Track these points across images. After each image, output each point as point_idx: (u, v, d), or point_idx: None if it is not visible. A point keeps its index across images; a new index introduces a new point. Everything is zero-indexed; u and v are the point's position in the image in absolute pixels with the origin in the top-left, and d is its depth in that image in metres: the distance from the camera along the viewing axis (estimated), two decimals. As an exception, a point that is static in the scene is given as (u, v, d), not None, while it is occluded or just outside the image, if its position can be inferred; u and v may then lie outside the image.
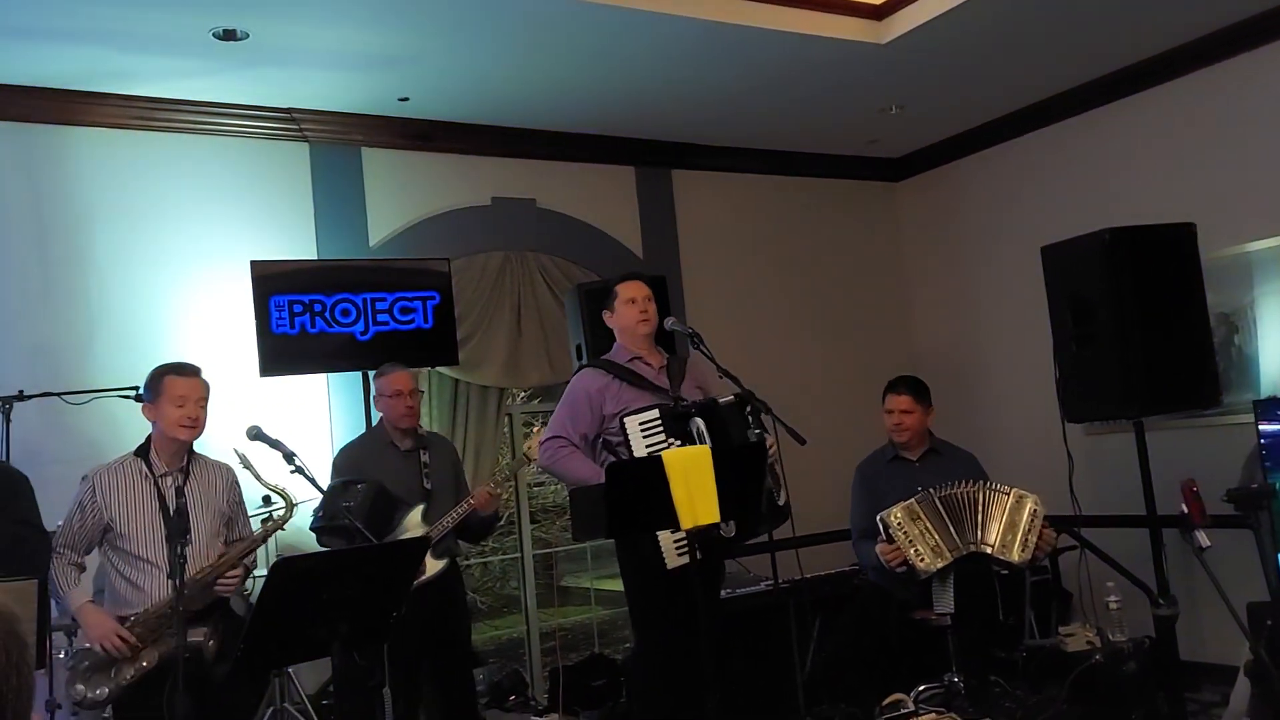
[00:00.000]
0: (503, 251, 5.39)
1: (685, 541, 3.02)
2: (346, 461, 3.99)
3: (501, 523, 4.82)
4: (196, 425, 3.19)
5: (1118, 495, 4.63)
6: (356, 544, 3.37)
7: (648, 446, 3.33)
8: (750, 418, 3.39)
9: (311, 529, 3.76)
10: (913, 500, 3.83)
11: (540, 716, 4.58)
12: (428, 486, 3.91)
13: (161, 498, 3.11)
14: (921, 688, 3.71)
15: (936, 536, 3.79)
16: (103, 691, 2.95)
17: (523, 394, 6.28)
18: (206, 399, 3.23)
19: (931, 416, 4.31)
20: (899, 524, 3.79)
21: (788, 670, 4.42)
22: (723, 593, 4.25)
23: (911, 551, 3.76)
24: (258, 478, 3.22)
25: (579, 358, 4.62)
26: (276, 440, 3.28)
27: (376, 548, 3.18)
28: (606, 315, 3.64)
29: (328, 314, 4.58)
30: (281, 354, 4.44)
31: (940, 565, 3.76)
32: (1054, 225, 4.86)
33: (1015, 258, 5.76)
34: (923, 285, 6.69)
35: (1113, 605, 4.00)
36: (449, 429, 5.14)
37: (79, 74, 4.27)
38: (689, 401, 3.46)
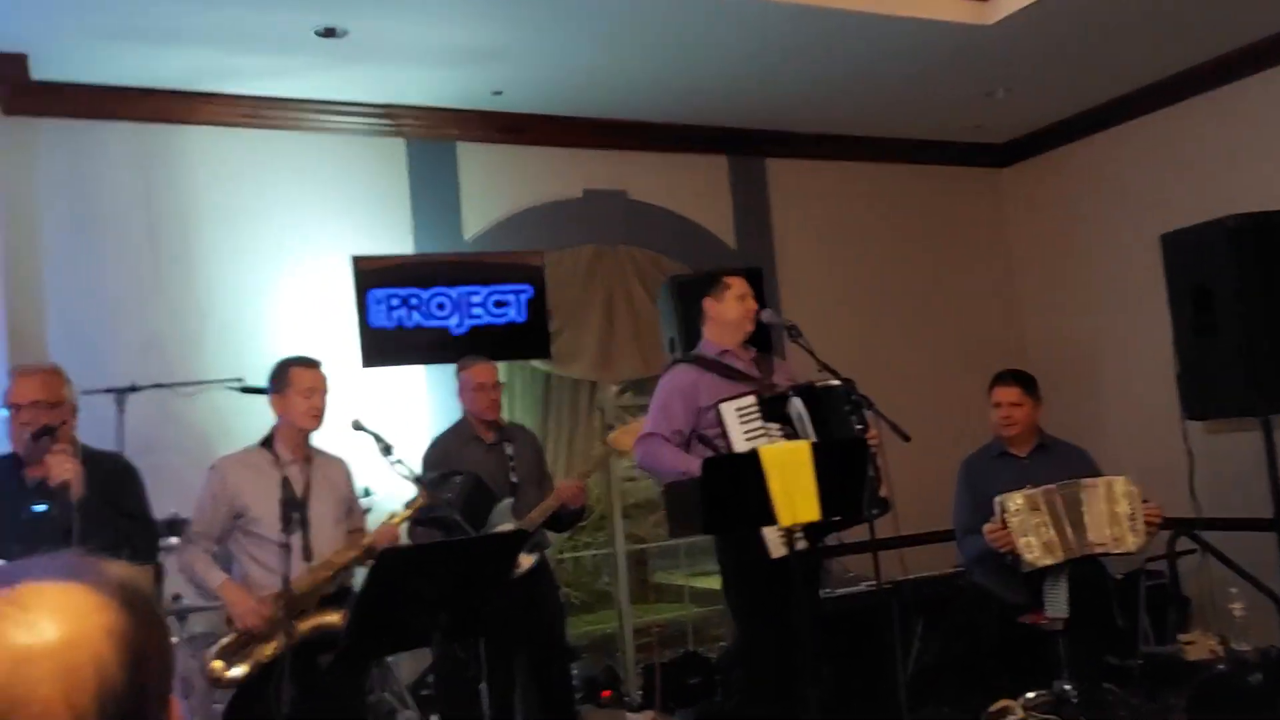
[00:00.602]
0: (594, 244, 5.37)
1: (789, 531, 2.95)
2: (435, 455, 4.02)
3: (592, 516, 4.82)
4: (320, 415, 3.26)
5: (1242, 497, 4.37)
6: (454, 536, 3.39)
7: (746, 434, 3.27)
8: (852, 409, 3.29)
9: (410, 520, 3.80)
10: (1038, 491, 3.69)
11: (635, 713, 4.55)
12: (514, 480, 3.91)
13: (287, 484, 3.17)
14: (1030, 694, 3.57)
15: (1052, 532, 3.64)
16: (240, 670, 3.02)
17: (614, 387, 6.27)
18: (327, 390, 3.29)
19: (1041, 411, 4.14)
20: (1016, 510, 3.65)
21: (888, 672, 4.30)
22: (822, 592, 4.15)
23: (1022, 541, 3.62)
24: (410, 471, 3.25)
25: (671, 350, 4.57)
26: (377, 433, 3.31)
27: (477, 539, 3.20)
28: (710, 303, 3.56)
29: (424, 307, 4.64)
30: (381, 347, 4.51)
31: (1048, 563, 3.61)
32: (1172, 211, 4.62)
33: (1131, 245, 5.50)
34: (1030, 274, 6.45)
35: (1237, 612, 3.79)
36: (540, 423, 5.15)
37: (189, 75, 4.40)
38: (786, 386, 3.38)
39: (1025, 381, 4.12)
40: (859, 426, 3.30)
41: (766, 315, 3.58)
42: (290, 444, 3.29)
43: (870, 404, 3.26)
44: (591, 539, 6.45)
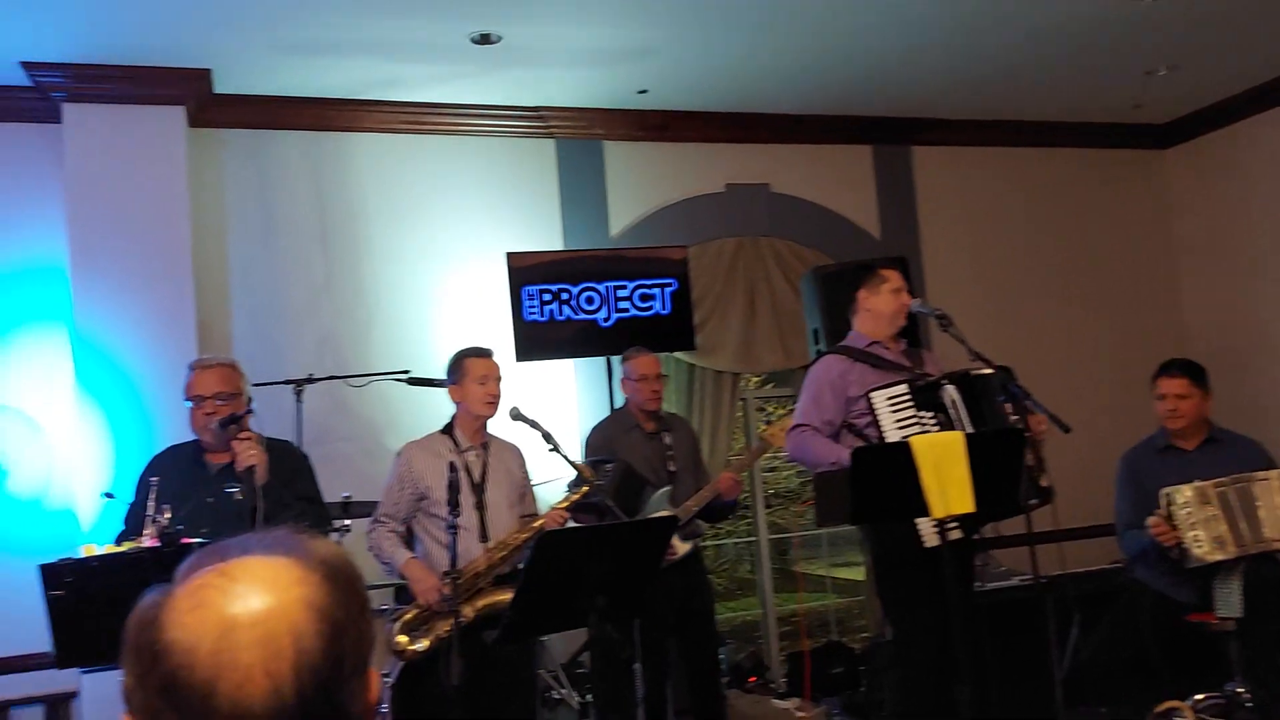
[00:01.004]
0: (736, 237, 5.42)
1: (941, 522, 2.93)
2: (597, 441, 4.15)
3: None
4: (496, 402, 3.42)
5: None
6: (607, 521, 3.51)
7: (897, 423, 3.27)
8: (1008, 398, 3.24)
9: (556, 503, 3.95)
10: (1208, 483, 3.54)
11: (780, 700, 4.60)
12: (672, 469, 4.00)
13: (467, 469, 3.36)
14: (1199, 696, 3.43)
15: (1224, 527, 3.49)
16: (423, 644, 3.21)
17: (757, 379, 6.31)
18: (501, 378, 3.47)
19: (1210, 403, 3.96)
20: (1185, 503, 3.52)
21: (1042, 670, 4.20)
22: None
23: (1190, 536, 3.48)
24: (568, 458, 3.37)
25: (815, 342, 4.58)
26: (534, 421, 3.46)
27: (631, 524, 3.30)
28: (864, 295, 3.55)
29: (574, 302, 4.79)
30: (533, 340, 4.69)
31: (1218, 558, 3.46)
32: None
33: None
34: (1193, 260, 6.14)
35: None
36: (684, 414, 5.24)
37: (356, 84, 4.67)
38: (939, 374, 3.35)
39: (1193, 372, 3.94)
40: (1014, 417, 3.24)
41: (916, 304, 3.55)
42: (468, 431, 3.47)
43: (1027, 394, 3.20)
44: (733, 527, 6.51)
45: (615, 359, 5.02)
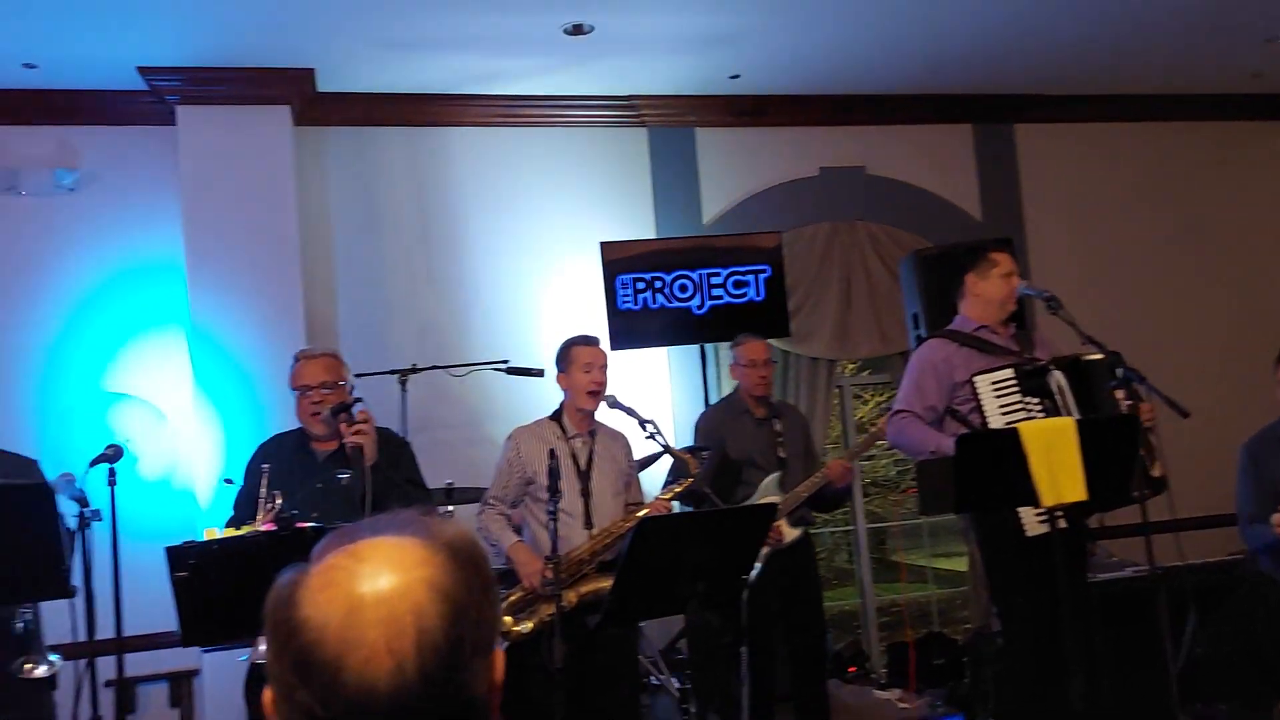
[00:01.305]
0: (831, 222, 5.35)
1: (1050, 511, 2.85)
2: (706, 426, 4.14)
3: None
4: (601, 390, 3.44)
5: None
6: (703, 508, 3.51)
7: (1001, 408, 3.18)
8: (1120, 383, 3.12)
9: (659, 494, 3.96)
10: None
11: (881, 690, 4.54)
12: (782, 455, 3.97)
13: (574, 456, 3.41)
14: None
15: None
16: (527, 626, 3.27)
17: (853, 365, 6.22)
18: (607, 365, 3.49)
19: (1338, 389, 3.75)
20: None
21: (1156, 664, 4.05)
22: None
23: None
24: (666, 445, 3.38)
25: (915, 326, 4.50)
26: (631, 408, 3.47)
27: (730, 511, 3.29)
28: (973, 279, 3.45)
29: (667, 290, 4.80)
30: (628, 329, 4.71)
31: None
32: None
33: None
34: (1320, 237, 5.82)
35: None
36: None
37: (454, 79, 4.76)
38: (1046, 359, 3.25)
39: (1319, 355, 3.74)
40: (1127, 402, 3.12)
41: (1023, 286, 3.45)
42: (575, 418, 3.50)
43: (1141, 378, 3.08)
44: (830, 516, 6.44)
45: (709, 347, 5.03)
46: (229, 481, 3.21)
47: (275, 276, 4.46)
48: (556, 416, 3.51)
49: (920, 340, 4.10)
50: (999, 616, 3.45)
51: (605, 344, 4.63)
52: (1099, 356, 3.19)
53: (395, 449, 3.36)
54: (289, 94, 4.54)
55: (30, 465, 3.00)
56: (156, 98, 4.45)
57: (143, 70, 4.31)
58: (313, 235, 4.73)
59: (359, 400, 3.20)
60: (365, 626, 0.84)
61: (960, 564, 6.28)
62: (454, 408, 4.73)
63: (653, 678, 4.36)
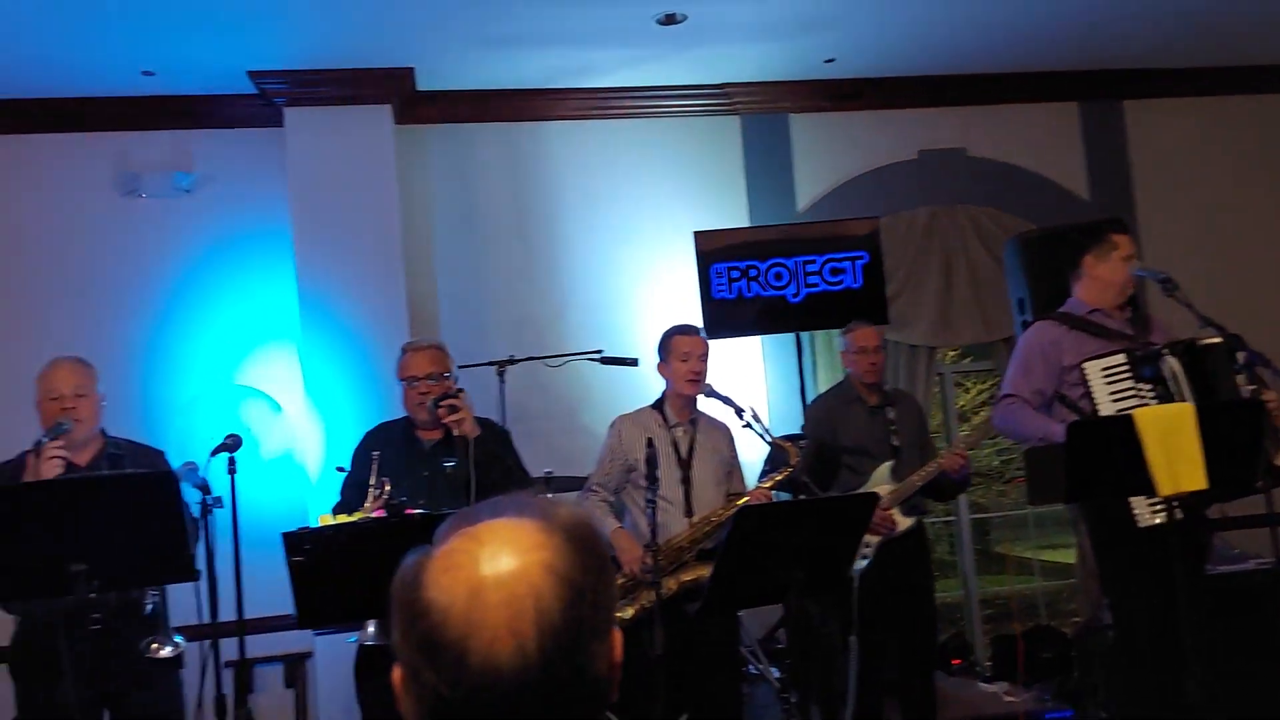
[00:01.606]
0: (930, 206, 5.24)
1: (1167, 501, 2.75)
2: (815, 414, 4.10)
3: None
4: (699, 379, 3.44)
5: None
6: (801, 496, 3.48)
7: (1112, 395, 3.08)
8: (1242, 368, 2.98)
9: (758, 482, 3.94)
10: None
11: (987, 684, 4.44)
12: (895, 444, 3.91)
13: (674, 444, 3.42)
14: None
15: None
16: (628, 612, 3.30)
17: (954, 352, 6.08)
18: (707, 355, 3.49)
19: None
20: None
21: (1277, 658, 3.87)
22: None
23: None
24: (765, 433, 3.37)
25: (1021, 312, 4.37)
26: (727, 397, 3.47)
27: (831, 499, 3.26)
28: (1091, 261, 3.33)
29: (762, 278, 4.77)
30: (722, 318, 4.70)
31: None
32: None
33: None
34: None
35: None
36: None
37: (548, 74, 4.81)
38: (1160, 344, 3.13)
39: None
40: (1250, 387, 2.98)
41: (1137, 269, 3.32)
42: (676, 407, 3.51)
43: (1265, 361, 2.94)
44: (931, 506, 6.33)
45: (805, 335, 4.98)
46: (341, 469, 3.31)
47: (379, 271, 4.59)
48: (659, 405, 3.53)
49: (1026, 325, 3.98)
50: (1110, 609, 3.34)
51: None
52: (1217, 340, 3.06)
53: (498, 437, 3.43)
54: (389, 93, 4.66)
55: (157, 455, 3.16)
56: (265, 100, 4.61)
57: (252, 74, 4.47)
58: (414, 230, 4.84)
59: (460, 390, 3.27)
60: (487, 609, 0.86)
61: (1067, 556, 6.09)
62: (550, 398, 4.79)
63: (751, 667, 4.35)
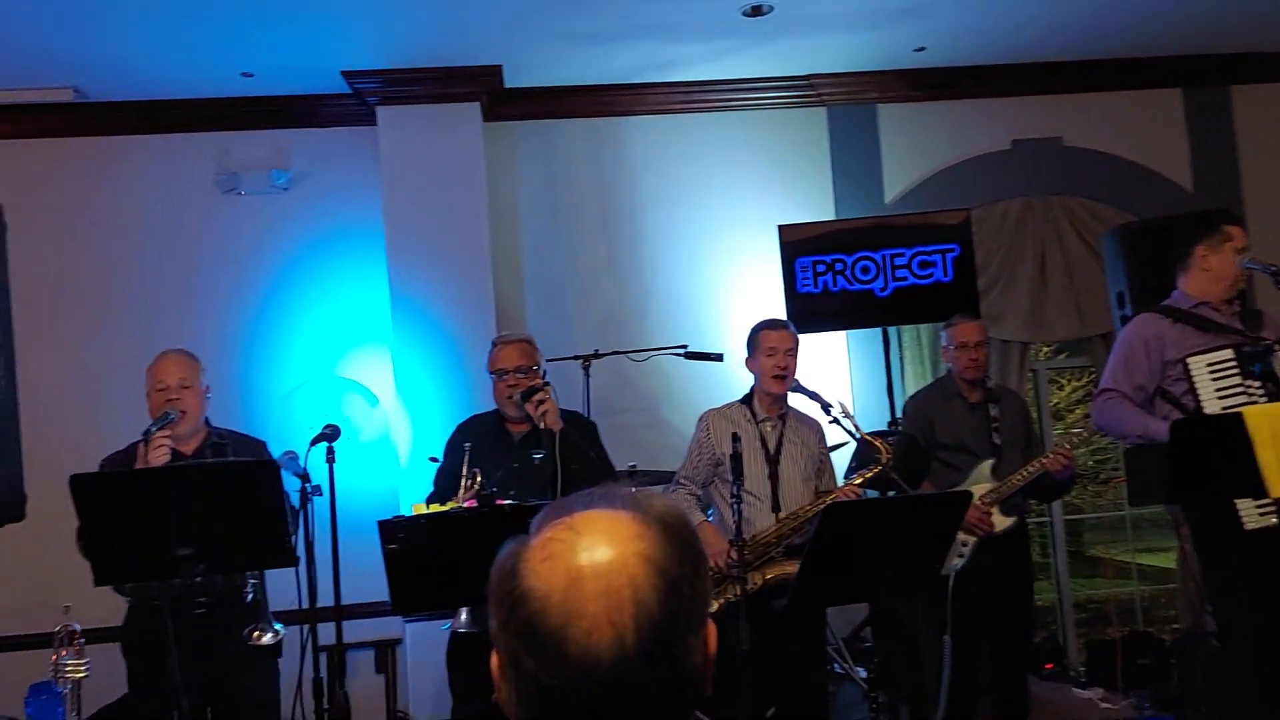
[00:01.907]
0: (1024, 197, 5.10)
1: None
2: (913, 409, 4.04)
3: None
4: (787, 374, 3.42)
5: None
6: (890, 493, 3.42)
7: (1218, 392, 2.96)
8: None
9: (845, 478, 3.89)
10: None
11: (1082, 689, 4.31)
12: (996, 441, 3.82)
13: (762, 440, 3.41)
14: None
15: None
16: (713, 605, 3.27)
17: (1047, 348, 5.92)
18: (795, 350, 3.46)
19: None
20: None
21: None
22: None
23: None
24: (854, 430, 3.32)
25: (1120, 306, 4.23)
26: (814, 392, 3.42)
27: (921, 497, 3.20)
28: (1203, 252, 3.20)
29: (848, 272, 4.70)
30: (807, 312, 4.65)
31: None
32: None
33: None
34: None
35: None
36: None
37: (633, 69, 4.82)
38: (1271, 340, 2.99)
39: None
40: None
41: (1247, 260, 3.18)
42: (765, 402, 3.49)
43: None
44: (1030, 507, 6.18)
45: (892, 330, 4.90)
46: (434, 459, 3.38)
47: (467, 267, 4.66)
48: (747, 400, 3.51)
49: (1125, 320, 3.85)
50: (1214, 616, 3.22)
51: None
52: (1337, 336, 2.91)
53: (585, 430, 3.46)
54: (478, 91, 4.72)
55: (259, 445, 3.27)
56: (358, 100, 4.72)
57: (346, 74, 4.58)
58: (501, 226, 4.90)
59: (546, 384, 3.31)
60: (586, 598, 0.86)
61: (1165, 560, 5.88)
62: (634, 392, 4.81)
63: (836, 665, 4.31)
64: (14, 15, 3.83)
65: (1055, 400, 7.85)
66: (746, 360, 3.53)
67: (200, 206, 4.79)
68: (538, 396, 3.18)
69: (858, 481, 3.33)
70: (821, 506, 3.24)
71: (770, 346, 3.42)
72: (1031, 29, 4.62)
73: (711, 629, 0.92)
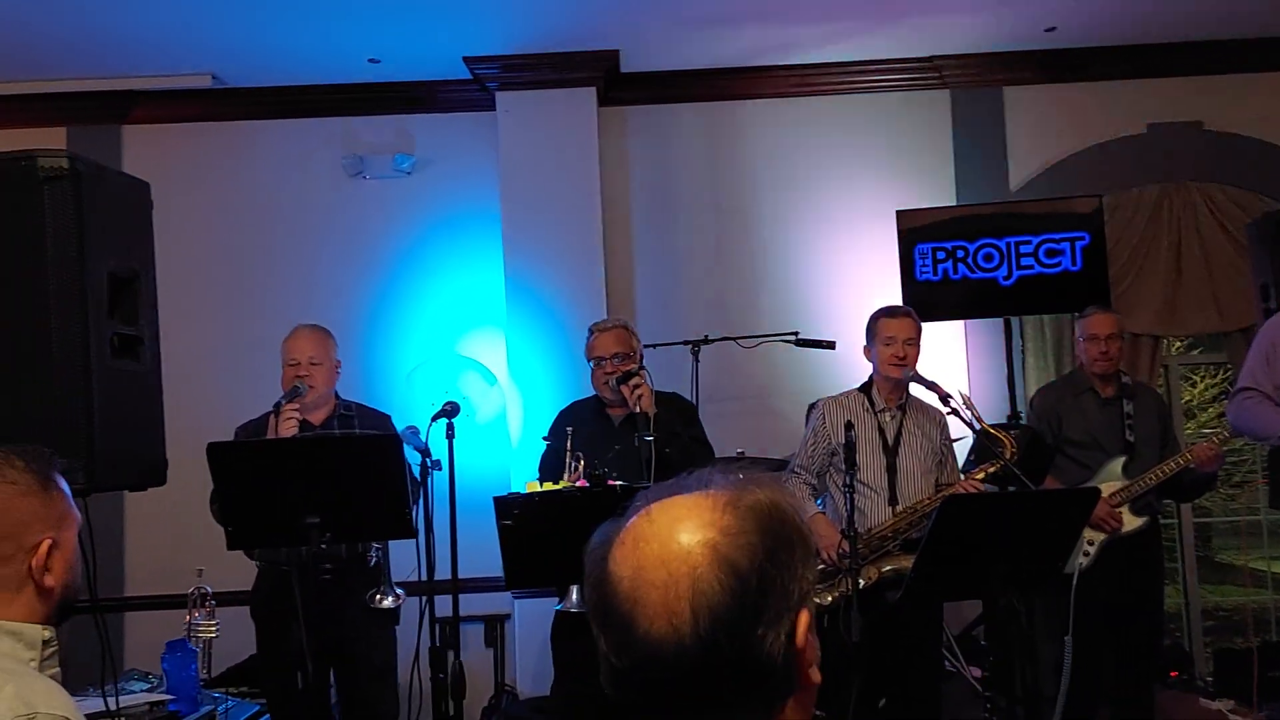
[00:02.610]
0: (1159, 184, 4.86)
1: None
2: (1041, 403, 3.91)
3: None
4: (905, 363, 3.35)
5: None
6: (1008, 489, 3.32)
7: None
8: None
9: (962, 471, 3.79)
10: None
11: (1210, 699, 4.11)
12: (1130, 439, 3.68)
13: (881, 430, 3.36)
14: None
15: None
16: (827, 598, 3.26)
17: (1181, 343, 5.65)
18: (916, 338, 3.39)
19: None
20: None
21: None
22: None
23: None
24: (976, 421, 3.24)
25: (1264, 299, 3.98)
26: (933, 382, 3.35)
27: (1046, 493, 3.10)
28: None
29: (970, 260, 4.57)
30: (925, 300, 4.53)
31: None
32: None
33: None
34: None
35: None
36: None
37: (749, 52, 4.77)
38: None
39: None
40: None
41: None
42: (884, 391, 3.43)
43: None
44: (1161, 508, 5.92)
45: (1014, 320, 4.74)
46: (546, 439, 3.45)
47: (580, 250, 4.71)
48: (865, 389, 3.45)
49: (1269, 314, 3.64)
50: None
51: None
52: None
53: (685, 412, 3.49)
54: (595, 76, 4.75)
55: (384, 419, 3.37)
56: (479, 85, 4.80)
57: (468, 60, 4.66)
58: (613, 210, 4.92)
59: (643, 368, 3.35)
60: (649, 586, 0.88)
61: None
62: (743, 379, 4.77)
63: (948, 663, 4.21)
64: (157, 4, 4.02)
65: (1187, 398, 7.48)
66: (864, 348, 3.46)
67: (328, 189, 4.96)
68: (634, 381, 3.22)
69: (979, 476, 3.23)
70: (940, 500, 3.17)
71: (889, 335, 3.35)
72: (1170, 7, 4.39)
73: (802, 620, 0.90)
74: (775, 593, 0.89)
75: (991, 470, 3.23)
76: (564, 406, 3.73)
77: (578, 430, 3.25)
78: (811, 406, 3.62)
